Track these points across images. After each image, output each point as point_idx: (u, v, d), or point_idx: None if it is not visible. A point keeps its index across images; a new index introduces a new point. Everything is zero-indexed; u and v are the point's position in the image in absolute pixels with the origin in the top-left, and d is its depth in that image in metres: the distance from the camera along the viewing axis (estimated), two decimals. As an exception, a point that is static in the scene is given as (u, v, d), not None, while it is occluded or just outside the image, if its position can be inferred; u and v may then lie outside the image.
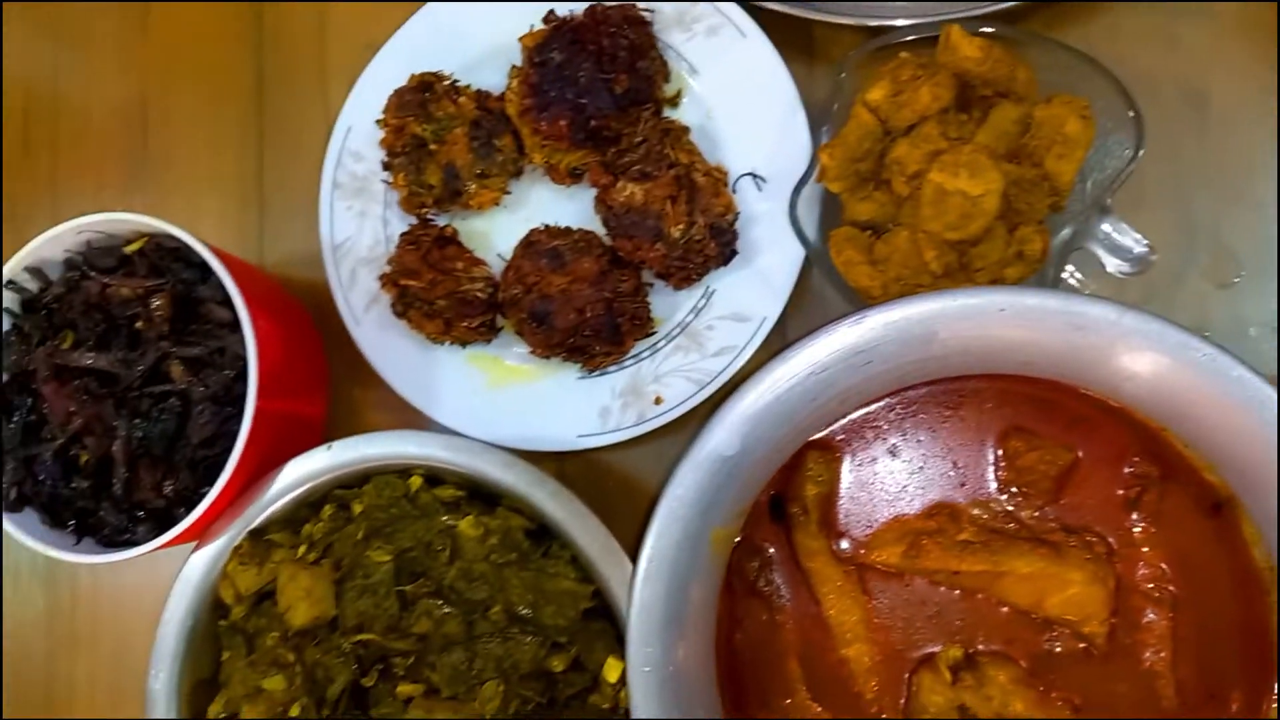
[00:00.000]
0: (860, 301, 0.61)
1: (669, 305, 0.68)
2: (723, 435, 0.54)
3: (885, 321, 0.54)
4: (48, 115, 0.82)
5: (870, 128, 0.63)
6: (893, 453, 0.60)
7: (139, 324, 0.66)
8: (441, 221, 0.72)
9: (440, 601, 0.59)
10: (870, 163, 0.63)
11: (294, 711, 0.57)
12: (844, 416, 0.60)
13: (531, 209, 0.71)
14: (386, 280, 0.69)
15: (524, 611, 0.60)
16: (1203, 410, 0.53)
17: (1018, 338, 0.54)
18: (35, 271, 0.68)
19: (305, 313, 0.74)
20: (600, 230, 0.68)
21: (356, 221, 0.72)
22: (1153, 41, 0.67)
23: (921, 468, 0.59)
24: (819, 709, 0.59)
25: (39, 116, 0.82)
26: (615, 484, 0.69)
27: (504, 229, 0.71)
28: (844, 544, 0.60)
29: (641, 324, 0.66)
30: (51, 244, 0.67)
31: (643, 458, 0.69)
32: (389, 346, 0.70)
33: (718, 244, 0.65)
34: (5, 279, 0.66)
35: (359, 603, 0.60)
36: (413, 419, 0.71)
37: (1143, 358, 0.53)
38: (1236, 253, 0.64)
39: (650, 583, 0.54)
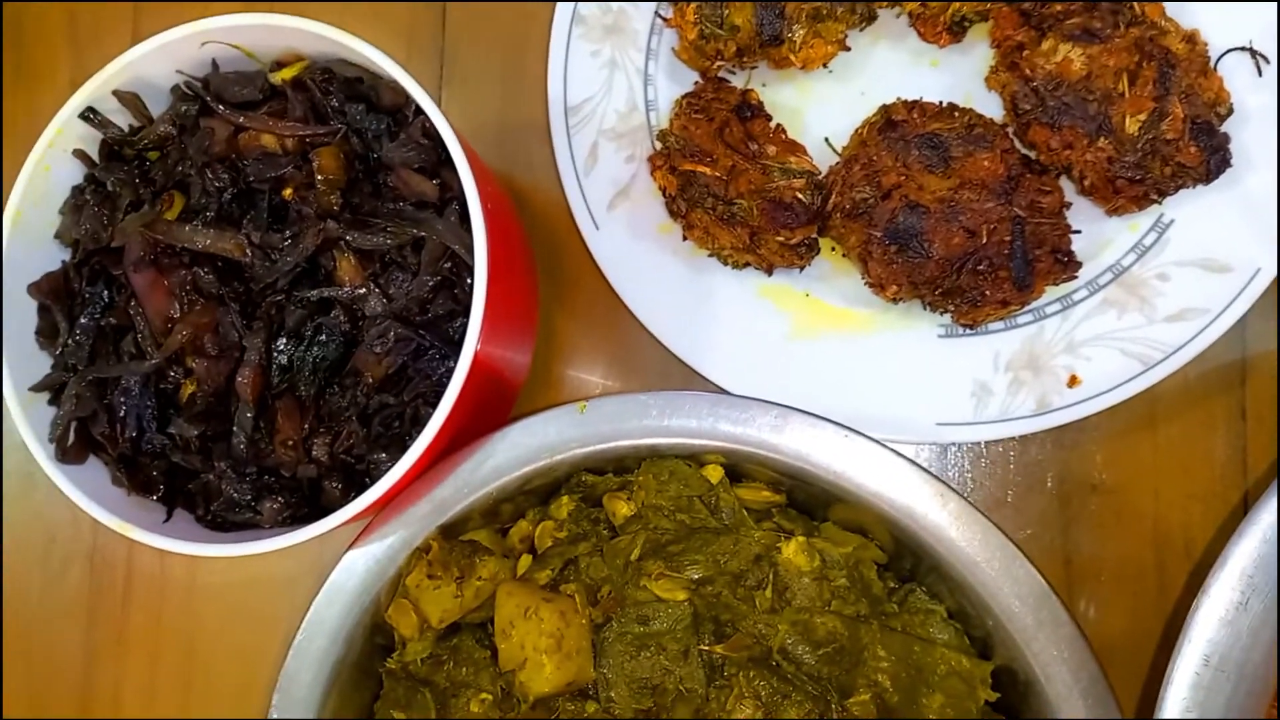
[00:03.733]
0: None
1: (1098, 237, 0.50)
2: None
3: None
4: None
5: None
6: None
7: (289, 191, 0.45)
8: (738, 83, 0.51)
9: (771, 676, 0.39)
10: None
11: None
12: None
13: (870, 79, 0.52)
14: (659, 163, 0.48)
15: (894, 699, 0.40)
16: None
17: None
18: (129, 100, 0.48)
19: (519, 223, 0.53)
20: (1000, 117, 0.48)
21: (604, 74, 0.53)
22: None
23: None
24: None
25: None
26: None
27: (828, 103, 0.53)
28: None
29: (1064, 263, 0.46)
30: (158, 57, 0.47)
31: (1031, 461, 0.50)
32: (642, 262, 0.51)
33: (1200, 148, 0.46)
34: (83, 105, 0.46)
35: (636, 663, 0.40)
36: (663, 379, 0.51)
37: None
38: None
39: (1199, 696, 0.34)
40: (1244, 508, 0.49)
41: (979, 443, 0.50)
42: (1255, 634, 0.35)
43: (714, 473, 0.45)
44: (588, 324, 0.56)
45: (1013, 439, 0.51)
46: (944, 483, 0.43)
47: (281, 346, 0.47)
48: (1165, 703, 0.36)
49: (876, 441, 0.44)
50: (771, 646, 0.42)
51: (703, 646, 0.42)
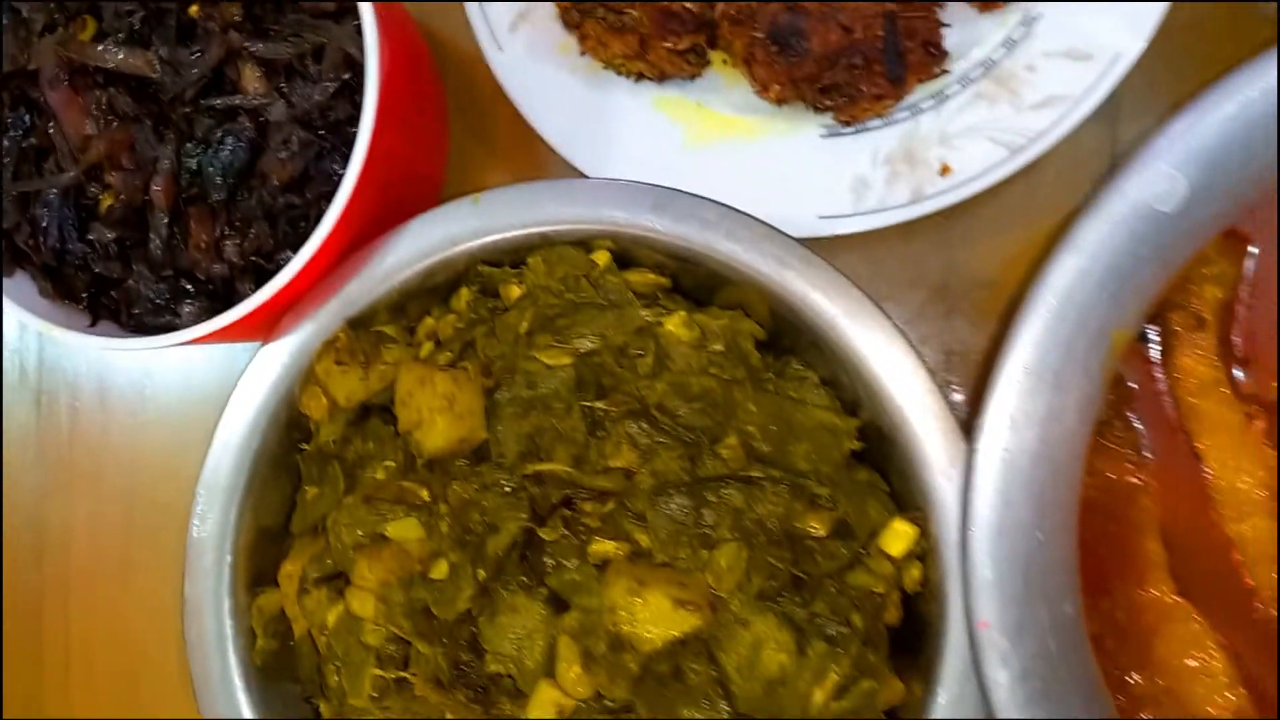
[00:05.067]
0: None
1: (967, 35, 0.53)
2: (1161, 179, 0.38)
3: None
4: None
5: None
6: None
7: (195, 8, 0.49)
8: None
9: (646, 425, 0.43)
10: None
11: (438, 571, 0.42)
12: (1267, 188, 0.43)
13: (760, -109, 0.54)
14: (550, -23, 0.52)
15: (765, 449, 0.44)
16: None
17: None
18: (38, -74, 0.51)
19: (421, 39, 0.56)
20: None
21: (500, -103, 0.55)
22: None
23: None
24: (1185, 603, 0.44)
25: None
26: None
27: None
28: (1247, 375, 0.44)
29: (933, 56, 0.50)
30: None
31: (916, 257, 0.54)
32: (544, 82, 0.55)
33: (1057, -60, 0.49)
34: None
35: (524, 422, 0.45)
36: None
37: None
38: None
39: (1014, 404, 0.38)
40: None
41: (863, 238, 0.54)
42: (1070, 344, 0.39)
43: (601, 256, 0.49)
44: (498, 145, 0.60)
45: (897, 237, 0.54)
46: (818, 255, 0.47)
47: (192, 154, 0.51)
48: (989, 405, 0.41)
49: (753, 217, 0.48)
50: (649, 403, 0.46)
51: (584, 403, 0.46)
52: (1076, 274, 0.40)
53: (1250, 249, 0.46)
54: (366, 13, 0.48)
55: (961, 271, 0.56)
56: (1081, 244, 0.40)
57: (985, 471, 0.40)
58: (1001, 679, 0.40)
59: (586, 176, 0.55)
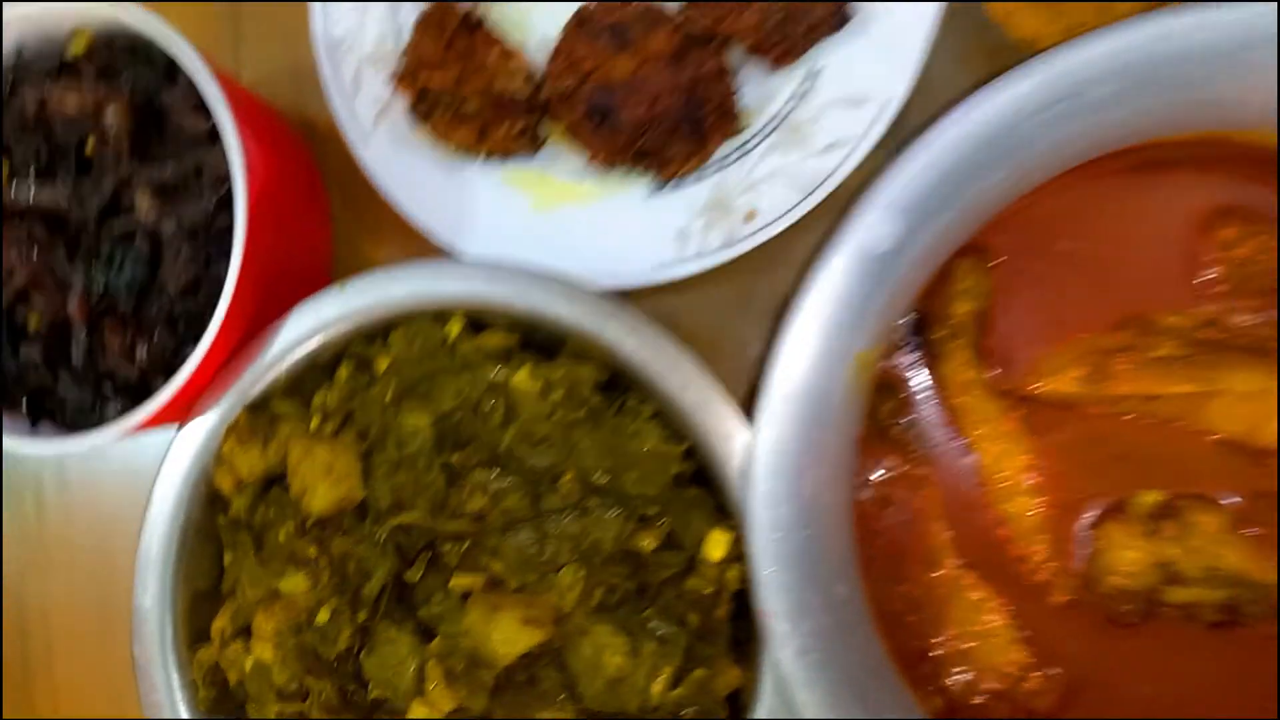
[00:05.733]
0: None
1: (763, 92, 0.61)
2: (877, 225, 0.46)
3: (1074, 64, 0.46)
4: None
5: None
6: (1067, 254, 0.53)
7: (91, 145, 0.58)
8: (466, 3, 0.63)
9: (497, 471, 0.52)
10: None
11: (322, 616, 0.52)
12: (1002, 210, 0.51)
13: (576, -16, 0.62)
14: (401, 78, 0.61)
15: (601, 480, 0.52)
16: None
17: (1242, 74, 0.45)
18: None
19: (296, 135, 0.65)
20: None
21: (358, 11, 0.63)
22: None
23: (1104, 269, 0.52)
24: (973, 579, 0.52)
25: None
26: (701, 329, 0.61)
27: (546, 9, 0.63)
28: (1002, 374, 0.52)
29: (729, 117, 0.59)
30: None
31: (732, 297, 0.62)
32: (406, 168, 0.63)
33: (828, 5, 0.56)
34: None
35: (394, 479, 0.53)
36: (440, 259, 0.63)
37: None
38: None
39: (779, 423, 0.47)
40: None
41: (699, 277, 0.62)
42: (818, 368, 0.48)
43: (454, 326, 0.57)
44: (381, 224, 0.67)
45: (708, 274, 0.62)
46: (620, 305, 0.55)
47: (99, 274, 0.60)
48: (758, 424, 0.49)
49: (577, 282, 0.56)
50: (499, 450, 0.55)
51: (442, 459, 0.54)
52: (817, 309, 0.48)
53: (996, 261, 0.53)
54: (230, 137, 0.57)
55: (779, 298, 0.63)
56: (819, 284, 0.48)
57: (759, 482, 0.49)
58: (785, 656, 0.48)
59: (452, 252, 0.64)
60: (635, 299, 0.62)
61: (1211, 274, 0.52)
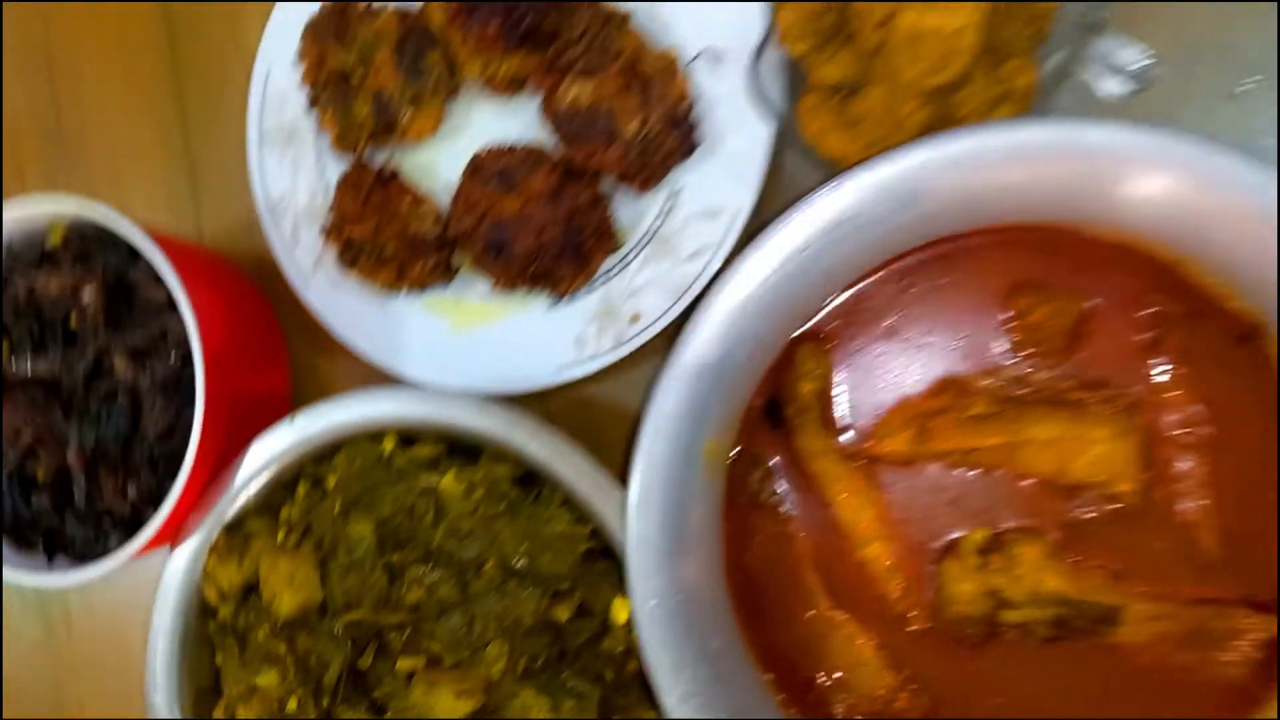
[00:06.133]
0: (835, 173, 0.62)
1: (634, 212, 0.70)
2: (702, 341, 0.56)
3: (863, 185, 0.57)
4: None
5: (828, -25, 0.64)
6: (889, 332, 0.62)
7: (74, 320, 0.69)
8: (381, 159, 0.73)
9: (429, 566, 0.62)
10: (833, 16, 0.65)
11: (291, 706, 0.61)
12: (832, 301, 0.61)
13: (475, 131, 0.74)
14: (328, 232, 0.71)
15: (520, 563, 0.63)
16: (1221, 227, 0.56)
17: (1013, 180, 0.56)
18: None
19: (250, 283, 0.77)
20: (553, 142, 0.69)
21: (290, 173, 0.74)
22: None
23: (922, 343, 0.62)
24: (843, 617, 0.61)
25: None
26: (606, 415, 0.72)
27: (449, 158, 0.74)
28: (848, 440, 0.62)
29: (606, 238, 0.68)
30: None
31: (632, 382, 0.72)
32: (343, 305, 0.73)
33: (677, 136, 0.67)
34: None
35: (346, 581, 0.63)
36: (382, 377, 0.73)
37: (1152, 179, 0.55)
38: (1246, 55, 0.64)
39: (645, 511, 0.57)
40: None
41: (598, 374, 0.72)
42: (671, 460, 0.57)
43: (389, 443, 0.68)
44: (336, 353, 0.78)
45: (607, 369, 0.72)
46: (521, 415, 0.65)
47: (90, 429, 0.71)
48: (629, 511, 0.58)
49: (490, 396, 0.67)
50: (432, 547, 0.65)
51: (384, 560, 0.64)
52: (662, 411, 0.58)
53: (830, 344, 0.63)
54: (184, 307, 0.67)
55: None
56: (662, 392, 0.58)
57: (632, 561, 0.58)
58: (670, 703, 0.58)
59: (389, 372, 0.74)
60: (550, 395, 0.73)
61: (1012, 339, 0.61)
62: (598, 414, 0.74)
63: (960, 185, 0.58)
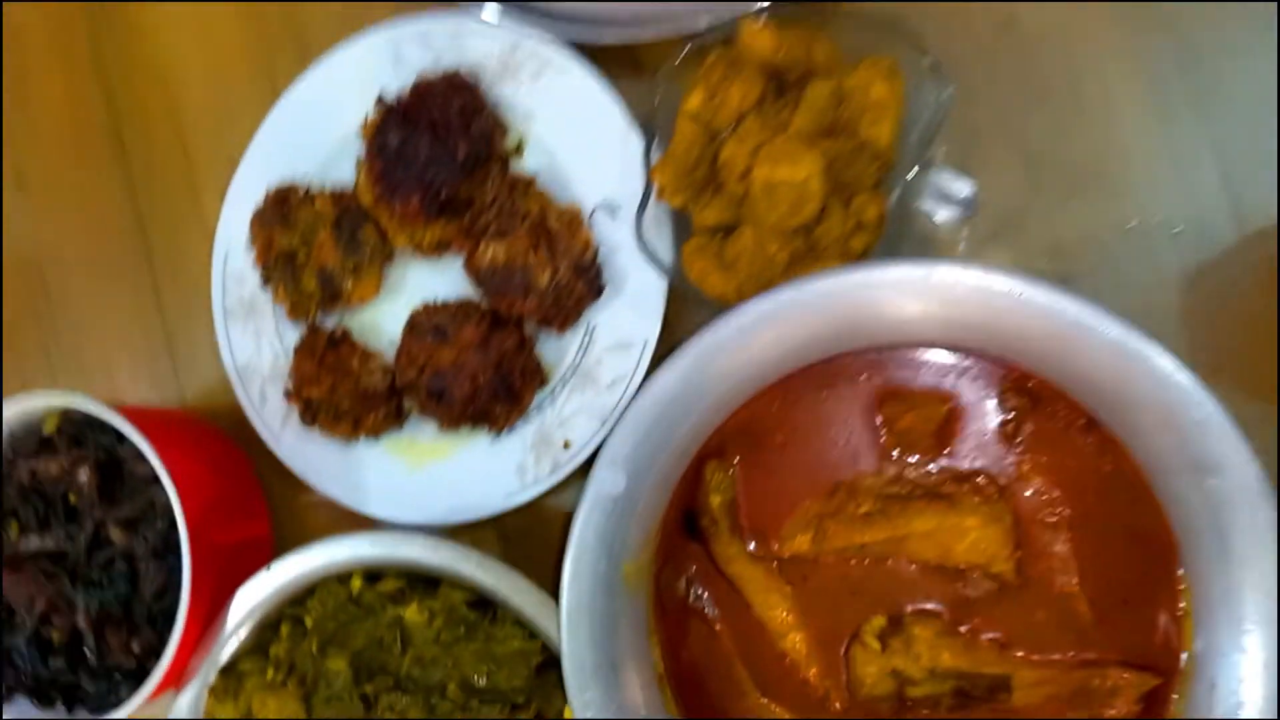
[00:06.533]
0: (720, 309, 0.71)
1: (557, 350, 0.79)
2: (607, 476, 0.64)
3: (718, 341, 0.63)
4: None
5: (695, 136, 0.72)
6: (782, 445, 0.69)
7: (74, 498, 0.78)
8: (331, 323, 0.82)
9: (399, 693, 0.70)
10: (704, 169, 0.73)
11: (288, 820, 0.69)
12: (726, 423, 0.68)
13: (412, 289, 0.82)
14: (289, 395, 0.80)
15: (480, 682, 0.71)
16: (1041, 343, 0.62)
17: (844, 316, 0.63)
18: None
19: (228, 440, 0.85)
20: (479, 295, 0.78)
21: (254, 342, 0.83)
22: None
23: (811, 452, 0.69)
24: (774, 706, 0.68)
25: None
26: (556, 524, 0.79)
27: (391, 315, 0.82)
28: (757, 544, 0.69)
29: (534, 375, 0.77)
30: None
31: (576, 492, 0.79)
32: (311, 455, 0.82)
33: (584, 282, 0.75)
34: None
35: (326, 712, 0.71)
36: (352, 516, 0.81)
37: (968, 310, 0.62)
38: (1080, 165, 0.72)
39: (574, 633, 0.65)
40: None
41: (543, 497, 0.80)
42: (595, 581, 0.66)
43: (356, 582, 0.76)
44: (306, 493, 0.87)
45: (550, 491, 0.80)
46: (467, 549, 0.73)
47: (94, 594, 0.79)
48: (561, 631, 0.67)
49: (446, 528, 0.75)
50: (401, 675, 0.73)
51: (359, 690, 0.73)
52: (582, 542, 0.66)
53: (733, 459, 0.71)
54: (165, 481, 0.76)
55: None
56: (577, 526, 0.66)
57: (568, 679, 0.66)
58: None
59: (357, 511, 0.83)
60: (501, 519, 0.81)
61: (886, 444, 0.69)
62: (549, 523, 0.82)
63: (809, 325, 0.66)
